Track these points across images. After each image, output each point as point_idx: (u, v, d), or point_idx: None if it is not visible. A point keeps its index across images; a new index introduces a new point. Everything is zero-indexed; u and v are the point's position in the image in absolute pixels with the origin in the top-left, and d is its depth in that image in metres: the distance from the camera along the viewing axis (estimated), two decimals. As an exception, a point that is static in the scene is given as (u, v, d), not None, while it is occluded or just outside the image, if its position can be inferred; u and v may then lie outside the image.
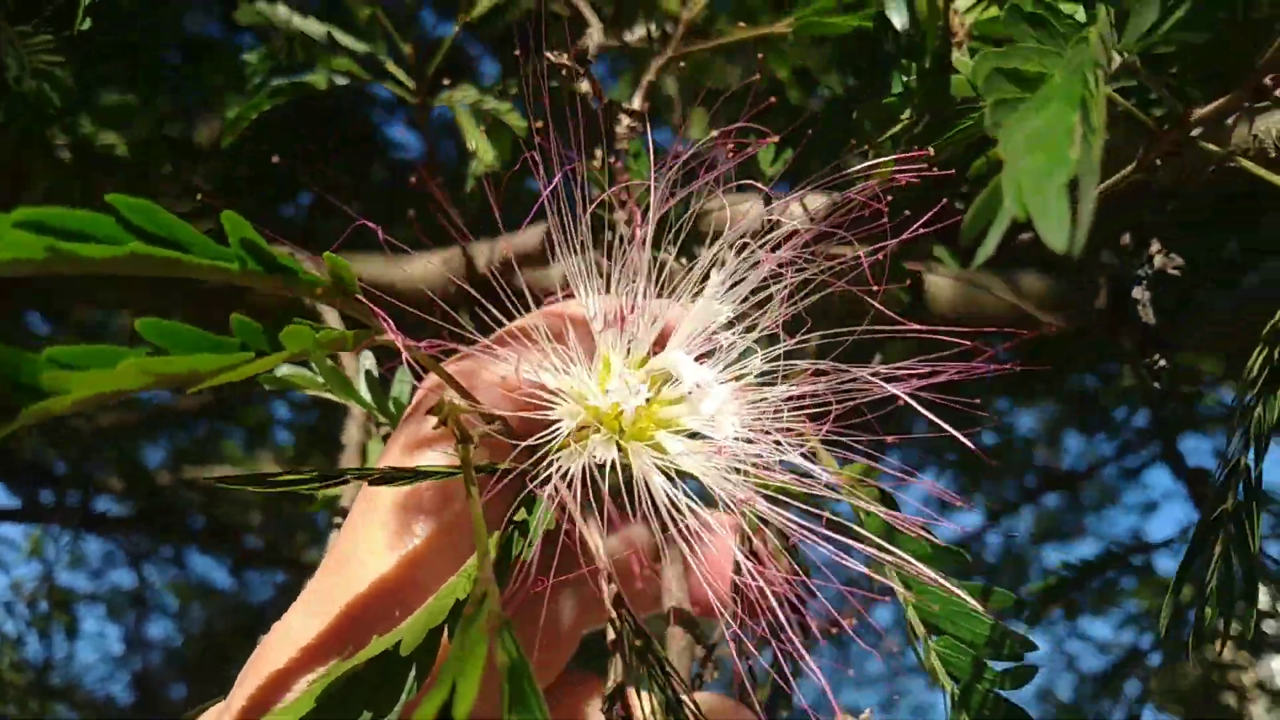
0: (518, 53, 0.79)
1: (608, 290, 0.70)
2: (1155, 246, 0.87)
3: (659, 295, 0.74)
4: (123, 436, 3.97)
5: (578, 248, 0.72)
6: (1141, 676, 2.64)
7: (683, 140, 0.71)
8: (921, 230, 0.78)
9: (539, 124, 0.70)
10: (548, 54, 0.90)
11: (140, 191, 0.52)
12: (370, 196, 2.94)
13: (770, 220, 0.68)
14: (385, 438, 1.16)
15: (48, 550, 4.09)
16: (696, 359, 0.72)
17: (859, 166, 0.65)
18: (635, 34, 1.55)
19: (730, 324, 0.71)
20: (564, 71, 0.89)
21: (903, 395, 0.65)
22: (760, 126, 0.72)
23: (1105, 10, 0.56)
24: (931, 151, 0.66)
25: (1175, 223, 0.85)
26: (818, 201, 1.17)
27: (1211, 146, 0.76)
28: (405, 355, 0.62)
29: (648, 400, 0.68)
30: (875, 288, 0.71)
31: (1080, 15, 0.63)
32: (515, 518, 0.71)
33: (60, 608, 4.31)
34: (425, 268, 1.84)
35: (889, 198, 0.65)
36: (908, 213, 0.73)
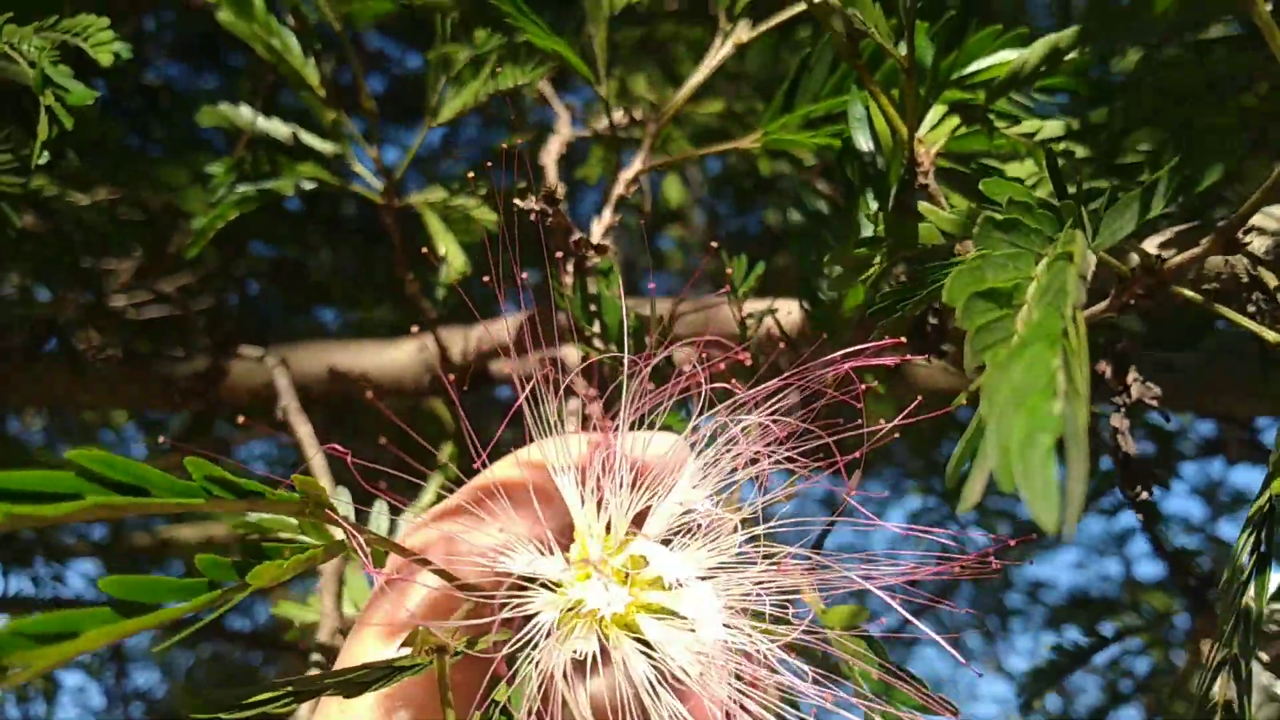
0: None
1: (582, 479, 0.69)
2: (1133, 375, 0.87)
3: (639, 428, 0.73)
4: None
5: (549, 429, 0.70)
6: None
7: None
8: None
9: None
10: (516, 200, 0.89)
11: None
12: (340, 244, 2.90)
13: (742, 422, 0.67)
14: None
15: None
16: (675, 532, 0.71)
17: (821, 360, 0.64)
18: (603, 122, 1.54)
19: (709, 500, 0.70)
20: (532, 216, 0.88)
21: (875, 590, 0.64)
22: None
23: (1082, 232, 0.55)
24: (904, 340, 0.65)
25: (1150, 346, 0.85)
26: (792, 311, 1.17)
27: (1185, 292, 0.76)
28: (378, 580, 0.61)
29: (628, 594, 0.66)
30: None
31: (1049, 194, 0.63)
32: (495, 696, 0.70)
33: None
34: (400, 355, 1.81)
35: (862, 387, 0.64)
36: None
